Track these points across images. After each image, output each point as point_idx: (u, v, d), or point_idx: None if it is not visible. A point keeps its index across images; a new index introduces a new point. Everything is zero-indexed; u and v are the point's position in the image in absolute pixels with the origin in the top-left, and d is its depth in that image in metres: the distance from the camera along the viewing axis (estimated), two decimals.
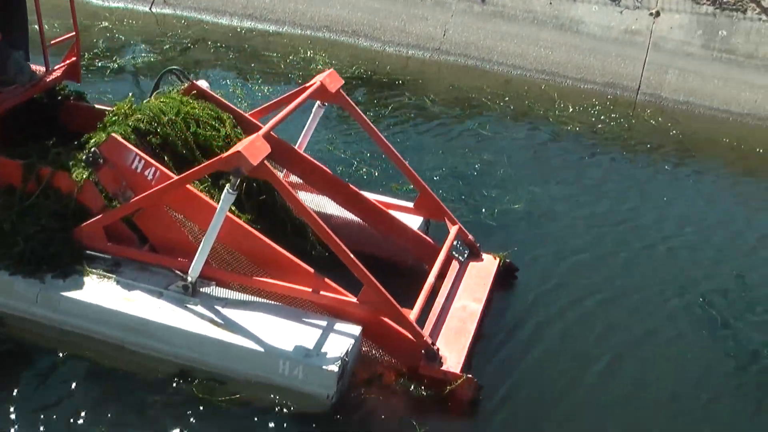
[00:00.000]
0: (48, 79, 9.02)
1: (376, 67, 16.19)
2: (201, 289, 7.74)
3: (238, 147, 7.10)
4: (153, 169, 7.64)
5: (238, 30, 17.42)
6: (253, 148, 7.14)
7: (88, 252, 7.96)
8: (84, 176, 7.82)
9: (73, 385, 7.51)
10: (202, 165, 7.51)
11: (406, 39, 16.98)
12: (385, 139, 8.92)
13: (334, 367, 7.15)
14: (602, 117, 14.84)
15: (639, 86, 15.79)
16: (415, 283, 8.33)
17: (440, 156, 12.53)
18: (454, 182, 10.62)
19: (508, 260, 9.34)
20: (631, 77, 15.92)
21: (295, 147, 8.97)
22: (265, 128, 7.66)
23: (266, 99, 13.40)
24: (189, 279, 7.63)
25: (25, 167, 7.98)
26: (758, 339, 9.04)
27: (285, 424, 7.28)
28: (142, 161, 7.64)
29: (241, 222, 7.62)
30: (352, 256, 7.33)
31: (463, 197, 10.16)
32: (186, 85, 8.95)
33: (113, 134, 7.70)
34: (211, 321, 7.48)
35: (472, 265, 8.97)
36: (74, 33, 9.25)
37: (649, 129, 14.62)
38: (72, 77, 9.39)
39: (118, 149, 7.66)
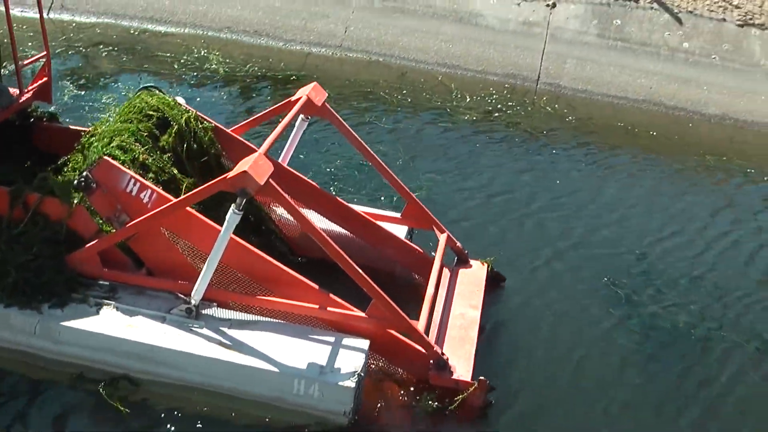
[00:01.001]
0: (21, 101, 8.68)
1: (270, 65, 16.08)
2: (203, 311, 7.59)
3: (243, 167, 6.96)
4: (149, 191, 7.45)
5: (131, 32, 17.00)
6: (257, 167, 7.03)
7: (83, 279, 7.73)
8: (75, 201, 7.57)
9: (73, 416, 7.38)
10: (203, 186, 7.31)
11: (308, 37, 16.90)
12: (370, 150, 8.89)
13: (351, 383, 7.12)
14: (499, 106, 15.12)
15: (539, 76, 16.13)
16: (406, 293, 8.40)
17: (337, 147, 12.41)
18: (350, 173, 10.50)
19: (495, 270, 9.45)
20: (530, 68, 16.25)
21: (278, 161, 8.85)
22: (263, 147, 7.52)
23: None
24: (192, 302, 7.48)
25: (11, 193, 7.65)
26: (652, 311, 9.47)
27: None
28: (138, 184, 7.44)
29: (244, 242, 7.49)
30: (360, 271, 7.31)
31: (361, 189, 10.13)
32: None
33: (105, 157, 7.47)
34: (219, 343, 7.35)
35: (462, 272, 9.04)
36: (45, 53, 8.91)
37: (546, 116, 14.98)
38: (43, 98, 9.05)
39: (111, 172, 7.45)
